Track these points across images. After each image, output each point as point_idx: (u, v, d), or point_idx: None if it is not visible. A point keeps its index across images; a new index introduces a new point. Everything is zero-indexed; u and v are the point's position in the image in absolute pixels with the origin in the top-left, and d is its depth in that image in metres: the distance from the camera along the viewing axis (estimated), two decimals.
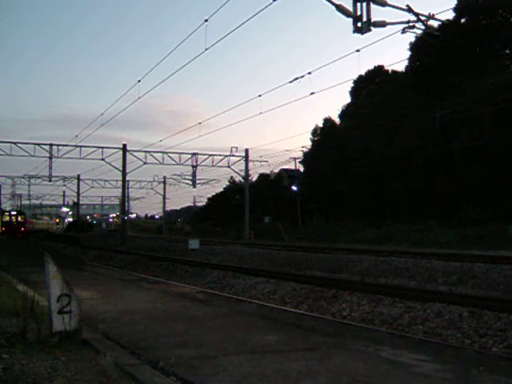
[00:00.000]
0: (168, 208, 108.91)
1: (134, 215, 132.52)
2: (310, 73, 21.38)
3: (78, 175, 68.72)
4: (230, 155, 49.49)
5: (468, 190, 36.07)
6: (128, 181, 58.78)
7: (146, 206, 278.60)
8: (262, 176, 69.80)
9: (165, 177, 78.49)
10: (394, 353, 6.46)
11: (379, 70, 48.47)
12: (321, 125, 57.94)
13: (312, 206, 51.85)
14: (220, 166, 50.92)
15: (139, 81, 26.31)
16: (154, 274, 18.85)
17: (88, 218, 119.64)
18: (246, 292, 13.81)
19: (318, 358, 6.17)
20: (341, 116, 55.92)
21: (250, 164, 51.59)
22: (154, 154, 47.73)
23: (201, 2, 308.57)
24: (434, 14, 13.45)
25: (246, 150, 50.52)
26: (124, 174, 44.96)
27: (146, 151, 47.56)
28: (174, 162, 48.57)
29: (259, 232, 50.20)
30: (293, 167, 59.85)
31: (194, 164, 49.60)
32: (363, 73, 48.87)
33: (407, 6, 12.93)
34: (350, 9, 12.04)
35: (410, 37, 47.23)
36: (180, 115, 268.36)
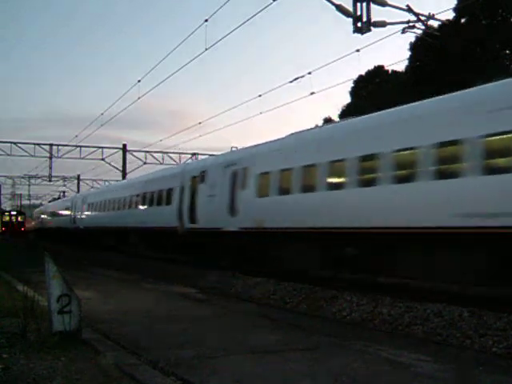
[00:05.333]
0: None
1: None
2: (310, 73, 21.36)
3: (78, 175, 68.77)
4: None
5: None
6: None
7: None
8: None
9: None
10: (394, 353, 6.46)
11: (379, 69, 48.47)
12: (321, 125, 57.92)
13: None
14: None
15: (139, 81, 26.27)
16: (154, 274, 18.83)
17: None
18: (246, 292, 13.81)
19: (317, 358, 6.17)
20: (341, 116, 55.90)
21: None
22: (154, 154, 47.82)
23: (201, 2, 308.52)
24: (434, 14, 13.47)
25: None
26: (124, 173, 44.99)
27: (146, 151, 47.64)
28: (174, 162, 48.61)
29: None
30: None
31: None
32: (363, 73, 48.90)
33: (407, 6, 12.95)
34: (350, 9, 12.06)
35: (410, 37, 47.22)
36: (180, 115, 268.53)
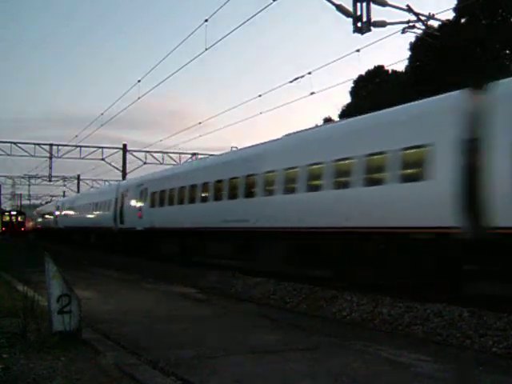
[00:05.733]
0: None
1: None
2: (310, 73, 21.36)
3: (78, 175, 68.76)
4: None
5: None
6: None
7: None
8: None
9: None
10: (394, 353, 6.46)
11: (379, 69, 48.47)
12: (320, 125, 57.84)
13: None
14: None
15: (139, 81, 26.27)
16: (154, 274, 18.83)
17: None
18: (245, 292, 13.81)
19: (317, 357, 6.17)
20: (341, 116, 55.88)
21: None
22: (154, 154, 47.79)
23: (201, 2, 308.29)
24: (434, 14, 13.47)
25: None
26: (124, 173, 44.99)
27: (146, 151, 47.62)
28: (174, 162, 48.57)
29: None
30: None
31: None
32: (363, 73, 48.90)
33: (407, 6, 12.94)
34: (350, 9, 12.05)
35: (410, 37, 47.21)
36: (180, 115, 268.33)
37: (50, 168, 48.32)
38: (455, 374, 5.68)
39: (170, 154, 48.15)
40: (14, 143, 43.36)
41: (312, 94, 23.83)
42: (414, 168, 11.03)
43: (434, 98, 11.42)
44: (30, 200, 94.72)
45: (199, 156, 46.70)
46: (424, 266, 10.86)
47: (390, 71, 48.18)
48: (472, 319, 8.66)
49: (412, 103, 12.19)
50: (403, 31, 13.39)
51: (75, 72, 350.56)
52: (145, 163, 47.35)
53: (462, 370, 5.86)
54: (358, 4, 11.96)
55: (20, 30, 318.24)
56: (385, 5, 12.52)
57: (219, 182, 18.40)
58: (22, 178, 68.89)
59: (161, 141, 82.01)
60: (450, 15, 35.27)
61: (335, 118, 55.35)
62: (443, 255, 10.58)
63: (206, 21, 17.55)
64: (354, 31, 12.03)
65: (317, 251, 14.12)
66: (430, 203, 10.45)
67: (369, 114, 13.42)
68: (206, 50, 18.24)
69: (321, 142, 14.38)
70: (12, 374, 5.28)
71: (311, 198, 13.83)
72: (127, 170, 45.58)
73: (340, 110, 54.09)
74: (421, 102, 11.85)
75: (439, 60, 35.89)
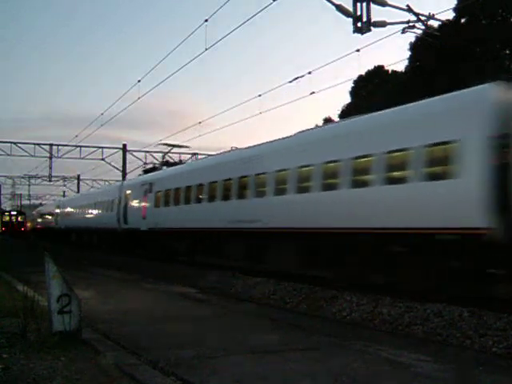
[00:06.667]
0: None
1: None
2: (310, 73, 21.35)
3: (78, 175, 68.69)
4: None
5: None
6: None
7: None
8: None
9: None
10: (394, 353, 6.46)
11: (379, 69, 48.43)
12: (321, 125, 57.79)
13: None
14: None
15: (139, 81, 26.26)
16: (154, 274, 18.82)
17: None
18: (245, 292, 13.81)
19: (318, 357, 6.17)
20: (341, 116, 55.81)
21: None
22: (154, 154, 47.72)
23: (201, 2, 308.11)
24: (434, 14, 13.47)
25: None
26: (124, 173, 44.97)
27: (146, 151, 47.55)
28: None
29: None
30: None
31: None
32: (363, 73, 48.85)
33: (407, 6, 12.94)
34: (350, 9, 12.04)
35: (410, 37, 47.13)
36: (180, 115, 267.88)
37: (50, 168, 48.27)
38: (455, 373, 5.68)
39: (170, 154, 48.10)
40: (14, 143, 43.28)
41: (312, 93, 23.80)
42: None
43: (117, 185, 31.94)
44: (30, 200, 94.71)
45: (199, 156, 46.68)
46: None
47: (390, 71, 48.09)
48: (472, 319, 8.66)
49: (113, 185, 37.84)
50: (403, 31, 13.38)
51: (75, 72, 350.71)
52: (145, 163, 47.27)
53: (461, 369, 5.86)
54: (358, 4, 11.95)
55: (20, 30, 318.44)
56: (385, 5, 12.52)
57: (87, 205, 37.30)
58: (22, 178, 68.79)
59: (161, 141, 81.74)
60: (450, 15, 35.18)
61: (335, 118, 55.25)
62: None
63: (206, 21, 17.54)
64: (354, 31, 12.03)
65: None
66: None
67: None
68: (206, 49, 18.24)
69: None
70: (12, 374, 5.28)
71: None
72: (127, 170, 45.58)
73: (340, 109, 53.95)
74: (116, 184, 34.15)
75: (439, 60, 35.86)
